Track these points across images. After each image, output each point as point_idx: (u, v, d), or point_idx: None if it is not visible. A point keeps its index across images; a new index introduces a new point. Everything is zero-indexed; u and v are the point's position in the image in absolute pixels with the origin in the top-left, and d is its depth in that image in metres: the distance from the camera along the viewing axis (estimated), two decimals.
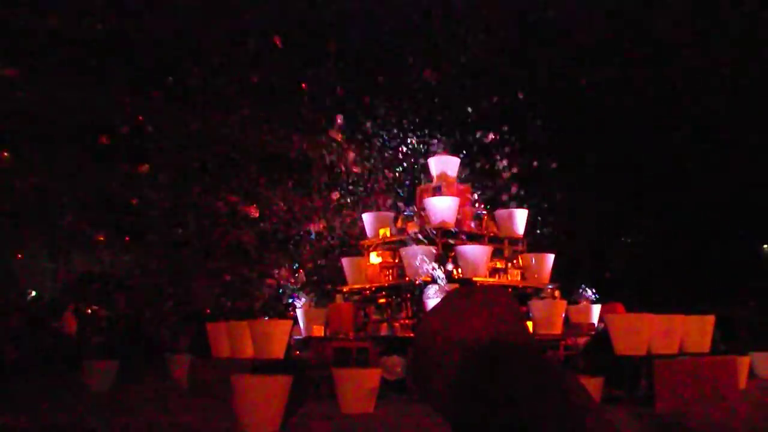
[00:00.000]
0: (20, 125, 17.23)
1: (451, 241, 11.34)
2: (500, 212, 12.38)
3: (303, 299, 11.86)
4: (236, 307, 17.01)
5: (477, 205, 12.43)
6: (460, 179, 12.67)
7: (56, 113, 16.97)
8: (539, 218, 14.21)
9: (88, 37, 16.31)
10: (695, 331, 9.75)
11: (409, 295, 11.19)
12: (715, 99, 18.90)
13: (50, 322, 16.65)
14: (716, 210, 19.50)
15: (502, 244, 12.03)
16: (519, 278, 11.79)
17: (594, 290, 11.80)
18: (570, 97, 18.80)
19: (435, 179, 12.40)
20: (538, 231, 13.89)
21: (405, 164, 15.23)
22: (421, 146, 14.13)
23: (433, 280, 10.45)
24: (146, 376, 13.29)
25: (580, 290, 11.73)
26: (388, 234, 12.07)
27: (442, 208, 11.46)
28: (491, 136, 14.81)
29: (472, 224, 11.93)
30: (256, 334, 9.39)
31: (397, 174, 15.77)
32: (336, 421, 7.69)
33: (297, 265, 16.48)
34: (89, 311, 17.95)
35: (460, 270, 11.08)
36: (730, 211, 19.44)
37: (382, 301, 11.72)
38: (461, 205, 11.74)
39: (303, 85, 16.07)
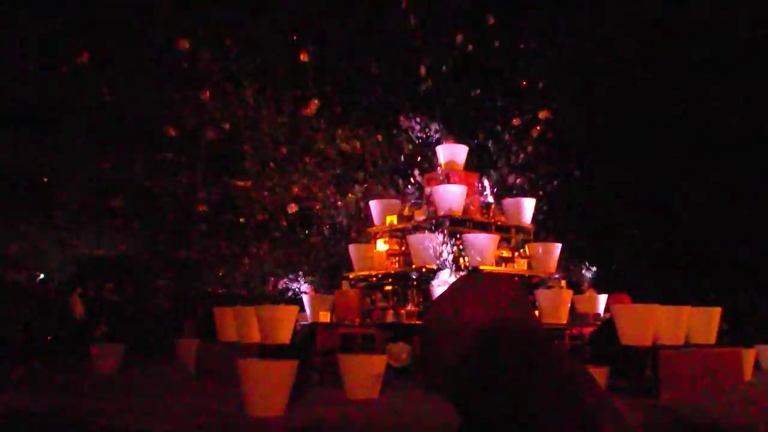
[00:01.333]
0: (28, 109, 17.28)
1: (459, 230, 11.34)
2: (508, 201, 12.37)
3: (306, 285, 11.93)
4: (239, 293, 17.08)
5: (485, 192, 12.43)
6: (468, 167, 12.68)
7: (63, 96, 16.99)
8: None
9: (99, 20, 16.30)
10: (701, 322, 9.75)
11: (415, 283, 11.22)
12: (720, 90, 18.80)
13: (58, 305, 16.73)
14: (724, 201, 19.41)
15: (509, 233, 12.03)
16: (525, 267, 11.80)
17: (594, 271, 11.81)
18: (577, 89, 18.72)
19: (442, 167, 12.40)
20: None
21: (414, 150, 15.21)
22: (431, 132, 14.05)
23: (440, 268, 10.48)
24: (153, 359, 13.38)
25: (582, 272, 11.75)
26: (395, 221, 12.09)
27: (450, 196, 11.46)
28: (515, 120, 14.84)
29: (479, 212, 11.94)
30: (263, 319, 9.43)
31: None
32: (341, 406, 7.74)
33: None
34: (96, 294, 18.02)
35: (466, 258, 11.10)
36: (738, 201, 19.36)
37: (388, 288, 11.75)
38: (468, 194, 11.74)
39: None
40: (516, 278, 11.07)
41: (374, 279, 11.82)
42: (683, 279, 19.04)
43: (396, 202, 12.81)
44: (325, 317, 11.05)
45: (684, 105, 19.22)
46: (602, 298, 11.61)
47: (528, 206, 12.23)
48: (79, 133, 18.09)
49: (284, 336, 9.29)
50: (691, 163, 19.68)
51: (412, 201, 12.62)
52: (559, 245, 12.00)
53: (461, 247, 11.17)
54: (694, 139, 19.42)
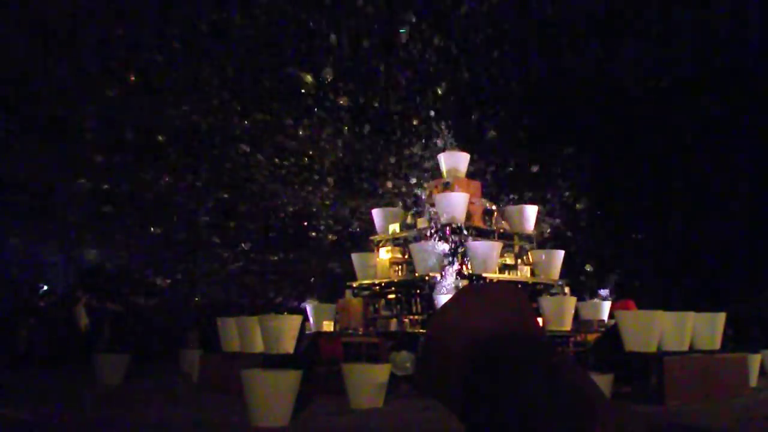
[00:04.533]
0: (31, 117, 17.29)
1: (461, 237, 11.33)
2: (510, 208, 12.36)
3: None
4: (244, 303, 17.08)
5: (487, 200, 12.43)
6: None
7: (68, 105, 17.01)
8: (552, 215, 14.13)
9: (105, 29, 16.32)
10: (706, 328, 9.71)
11: (418, 291, 11.20)
12: (726, 93, 18.81)
13: (61, 316, 16.73)
14: (728, 207, 19.40)
15: (512, 240, 12.02)
16: (529, 274, 11.78)
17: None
18: (580, 90, 18.73)
19: (445, 175, 12.40)
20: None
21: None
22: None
23: (443, 276, 10.46)
24: (157, 370, 13.36)
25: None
26: (398, 230, 12.08)
27: (452, 204, 11.46)
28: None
29: (482, 220, 11.93)
30: (266, 329, 9.42)
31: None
32: (345, 415, 7.71)
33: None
34: (100, 305, 18.02)
35: (469, 266, 11.08)
36: (741, 208, 19.34)
37: (391, 296, 11.73)
38: (471, 201, 11.73)
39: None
40: (519, 286, 11.06)
41: (377, 288, 11.81)
42: (689, 285, 18.99)
43: (398, 210, 12.81)
44: (328, 326, 11.04)
45: (692, 111, 19.21)
46: (606, 305, 11.58)
47: (530, 213, 12.22)
48: (82, 140, 18.10)
49: (287, 346, 9.28)
50: (697, 169, 19.66)
51: (415, 209, 12.61)
52: (562, 252, 11.99)
53: (464, 254, 11.16)
54: (699, 144, 19.42)
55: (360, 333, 10.82)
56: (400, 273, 11.75)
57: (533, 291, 11.42)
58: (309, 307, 11.77)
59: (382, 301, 11.78)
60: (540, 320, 10.30)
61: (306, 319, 11.45)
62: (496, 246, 11.26)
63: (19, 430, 6.94)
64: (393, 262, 11.91)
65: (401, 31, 14.62)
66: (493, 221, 11.98)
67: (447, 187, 11.94)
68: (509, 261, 11.80)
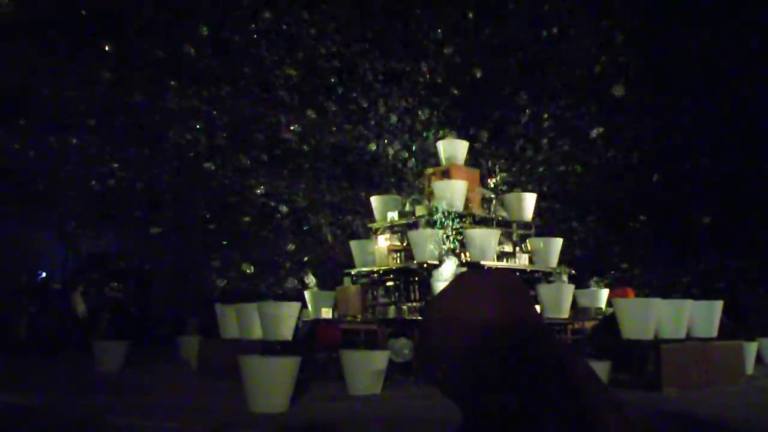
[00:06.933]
0: (29, 106, 17.21)
1: (460, 225, 11.34)
2: (509, 196, 12.37)
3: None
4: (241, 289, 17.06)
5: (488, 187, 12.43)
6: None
7: (66, 93, 16.92)
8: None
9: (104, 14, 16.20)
10: (703, 315, 9.74)
11: (416, 278, 11.22)
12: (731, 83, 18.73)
13: (59, 304, 16.74)
14: (727, 195, 19.37)
15: (510, 228, 12.03)
16: (527, 262, 11.79)
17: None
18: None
19: (444, 162, 12.40)
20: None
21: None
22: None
23: (441, 264, 10.48)
24: (156, 357, 13.38)
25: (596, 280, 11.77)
26: (396, 217, 12.09)
27: (451, 191, 11.45)
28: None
29: (481, 207, 11.94)
30: (265, 315, 9.43)
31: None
32: (343, 402, 7.75)
33: None
34: (98, 292, 18.02)
35: (468, 253, 11.10)
36: (741, 197, 19.32)
37: (390, 284, 11.75)
38: (470, 189, 11.73)
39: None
40: (517, 273, 11.07)
41: (376, 275, 11.83)
42: (687, 272, 19.01)
43: (397, 197, 12.81)
44: (327, 313, 11.06)
45: (696, 95, 19.09)
46: (604, 292, 11.60)
47: (529, 201, 12.22)
48: (81, 130, 18.03)
49: (286, 332, 9.30)
50: (699, 153, 19.60)
51: (413, 197, 12.61)
52: (560, 240, 12.00)
53: (462, 242, 11.17)
54: (705, 129, 19.33)
55: (358, 320, 10.85)
56: (398, 260, 11.78)
57: (531, 278, 11.44)
58: (308, 294, 11.79)
59: (381, 289, 11.80)
60: (538, 307, 10.33)
61: (304, 305, 11.48)
62: (494, 233, 11.26)
63: (18, 417, 6.97)
64: (391, 250, 11.94)
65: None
66: (492, 209, 11.99)
67: (445, 174, 11.94)
68: (507, 249, 11.82)
